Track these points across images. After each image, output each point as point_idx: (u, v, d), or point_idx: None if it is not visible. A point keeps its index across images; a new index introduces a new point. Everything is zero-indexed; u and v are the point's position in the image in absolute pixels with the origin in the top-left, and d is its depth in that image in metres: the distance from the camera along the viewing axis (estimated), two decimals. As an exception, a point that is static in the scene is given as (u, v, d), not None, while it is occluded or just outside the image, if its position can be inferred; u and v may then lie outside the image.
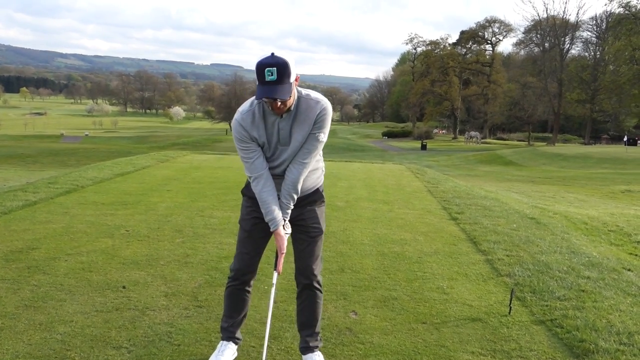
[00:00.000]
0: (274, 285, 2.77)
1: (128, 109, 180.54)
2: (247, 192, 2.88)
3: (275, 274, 2.79)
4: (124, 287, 3.98)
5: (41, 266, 4.38)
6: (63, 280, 4.08)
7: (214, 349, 2.99)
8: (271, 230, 2.73)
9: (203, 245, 5.25)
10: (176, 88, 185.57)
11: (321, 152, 2.88)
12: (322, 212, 2.95)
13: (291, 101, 2.57)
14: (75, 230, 5.60)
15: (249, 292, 3.00)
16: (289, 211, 2.77)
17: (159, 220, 6.23)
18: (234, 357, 2.95)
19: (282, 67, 2.42)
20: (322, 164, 2.96)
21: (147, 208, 6.90)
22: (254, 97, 2.61)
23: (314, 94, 2.68)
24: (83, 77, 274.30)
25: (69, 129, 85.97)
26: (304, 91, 2.68)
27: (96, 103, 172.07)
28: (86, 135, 72.00)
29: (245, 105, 2.69)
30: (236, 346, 2.99)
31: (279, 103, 2.50)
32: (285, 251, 2.74)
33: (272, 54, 2.43)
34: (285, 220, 2.76)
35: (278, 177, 2.77)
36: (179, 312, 3.57)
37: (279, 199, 2.76)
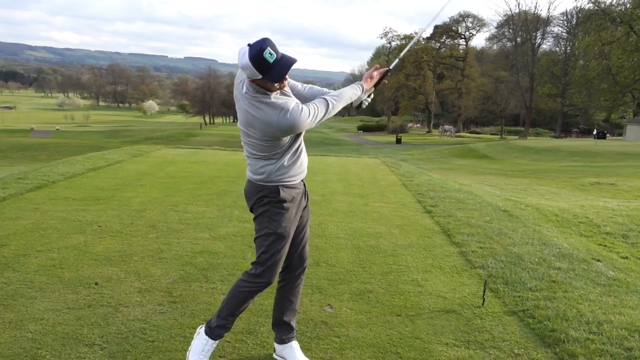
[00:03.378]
0: None
1: (100, 103, 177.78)
2: (286, 196, 2.78)
3: None
4: (96, 284, 3.92)
5: (11, 263, 4.28)
6: (33, 277, 4.00)
7: (188, 344, 2.95)
8: (367, 89, 2.93)
9: (177, 240, 5.19)
10: (149, 82, 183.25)
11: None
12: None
13: None
14: (45, 227, 5.48)
15: None
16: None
17: (132, 216, 6.14)
18: None
19: (272, 45, 2.48)
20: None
21: (120, 203, 6.80)
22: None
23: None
24: (53, 70, 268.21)
25: (40, 123, 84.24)
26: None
27: (67, 97, 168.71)
28: (57, 129, 70.69)
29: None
30: None
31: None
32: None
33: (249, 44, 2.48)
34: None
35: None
36: (153, 308, 3.53)
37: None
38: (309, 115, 2.57)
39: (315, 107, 2.63)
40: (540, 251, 5.21)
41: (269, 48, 2.43)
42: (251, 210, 2.87)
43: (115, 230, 5.49)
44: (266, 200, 2.75)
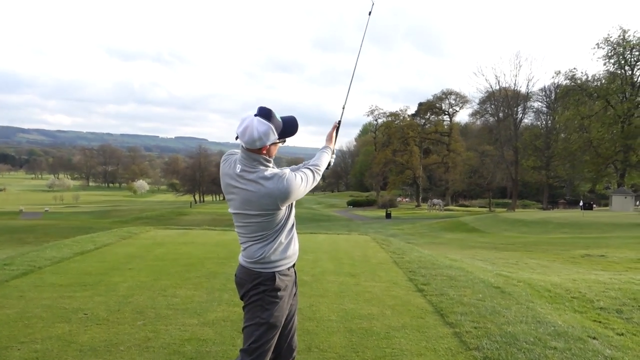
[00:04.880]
0: None
1: (90, 183, 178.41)
2: (281, 284, 2.81)
3: None
4: (80, 377, 3.78)
5: (-8, 357, 4.15)
6: (15, 371, 3.86)
7: None
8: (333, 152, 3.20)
9: (165, 327, 5.07)
10: (140, 161, 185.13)
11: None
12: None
13: None
14: (30, 316, 5.35)
15: None
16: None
17: (119, 302, 6.02)
18: None
19: None
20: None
21: (107, 288, 6.68)
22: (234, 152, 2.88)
23: None
24: (45, 151, 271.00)
25: (29, 204, 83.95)
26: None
27: (57, 178, 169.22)
28: (46, 210, 70.32)
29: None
30: None
31: None
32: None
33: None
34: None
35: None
36: (139, 402, 3.40)
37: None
38: (302, 181, 2.72)
39: (304, 174, 2.78)
40: (535, 330, 5.13)
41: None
42: (242, 298, 2.84)
43: (102, 317, 5.36)
44: (261, 288, 2.74)
